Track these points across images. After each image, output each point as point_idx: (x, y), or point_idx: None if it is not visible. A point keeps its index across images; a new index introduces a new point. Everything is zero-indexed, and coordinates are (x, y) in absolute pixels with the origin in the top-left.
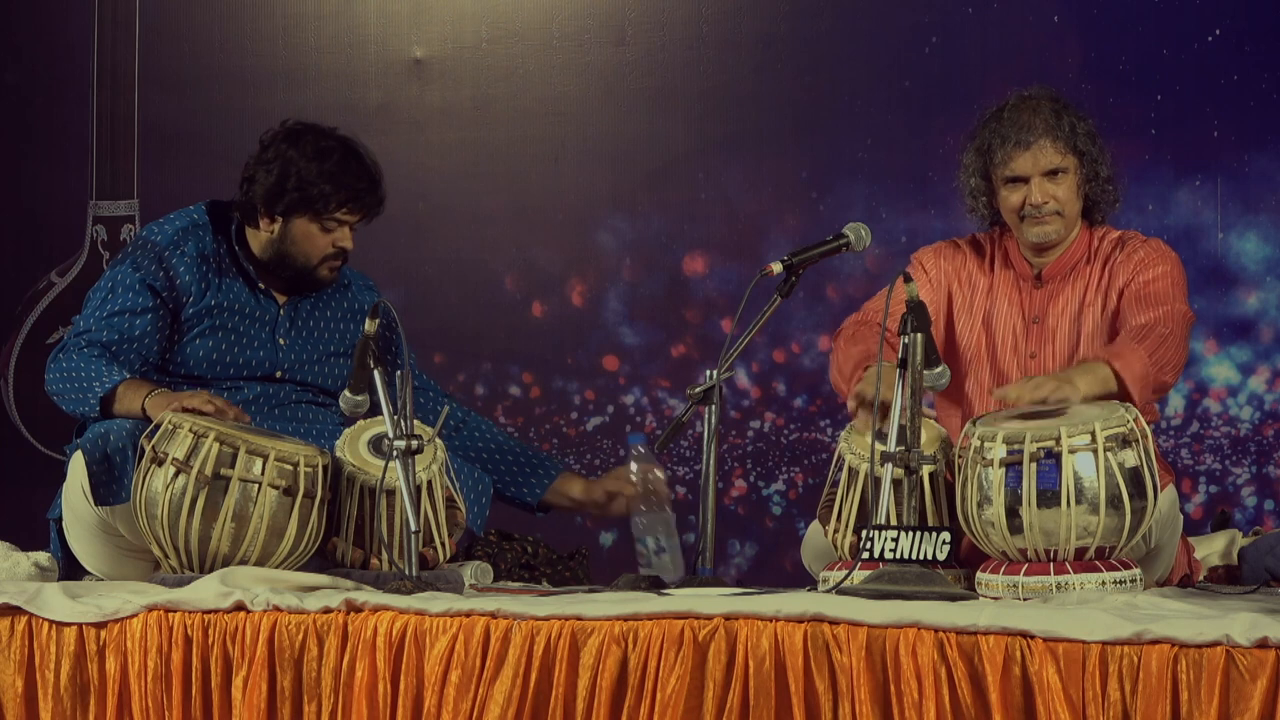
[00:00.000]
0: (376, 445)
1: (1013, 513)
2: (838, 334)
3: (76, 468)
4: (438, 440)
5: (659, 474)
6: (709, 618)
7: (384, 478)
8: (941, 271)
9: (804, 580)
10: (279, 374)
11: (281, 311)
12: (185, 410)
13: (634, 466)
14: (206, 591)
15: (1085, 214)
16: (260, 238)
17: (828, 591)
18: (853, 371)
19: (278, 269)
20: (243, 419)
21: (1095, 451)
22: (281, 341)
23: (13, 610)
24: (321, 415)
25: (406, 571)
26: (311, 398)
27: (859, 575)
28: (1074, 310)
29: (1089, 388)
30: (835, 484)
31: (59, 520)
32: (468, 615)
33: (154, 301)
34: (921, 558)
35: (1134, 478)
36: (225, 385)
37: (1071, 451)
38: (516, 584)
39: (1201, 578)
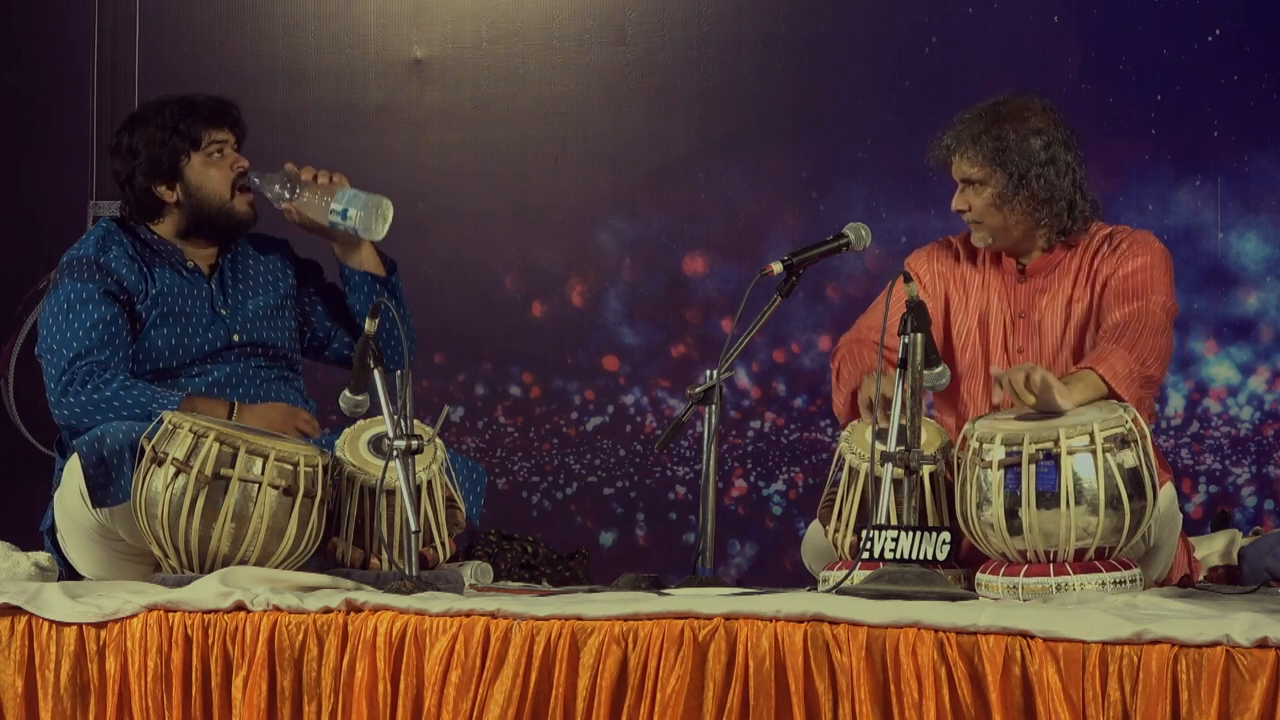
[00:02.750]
0: (376, 445)
1: (1012, 514)
2: (834, 355)
3: (72, 472)
4: (438, 440)
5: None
6: (709, 618)
7: (384, 478)
8: (936, 275)
9: (804, 580)
10: (235, 337)
11: (212, 285)
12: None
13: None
14: (206, 591)
15: (1041, 229)
16: (169, 219)
17: (828, 591)
18: (847, 394)
19: (199, 226)
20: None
21: (1094, 452)
22: (222, 312)
23: (13, 610)
24: (289, 393)
25: (406, 571)
26: (280, 372)
27: (859, 575)
28: (1061, 305)
29: (1083, 396)
30: (835, 484)
31: (51, 530)
32: (468, 615)
33: (116, 306)
34: (921, 558)
35: (1133, 478)
36: (194, 372)
37: (1070, 452)
38: (516, 584)
39: (1201, 578)
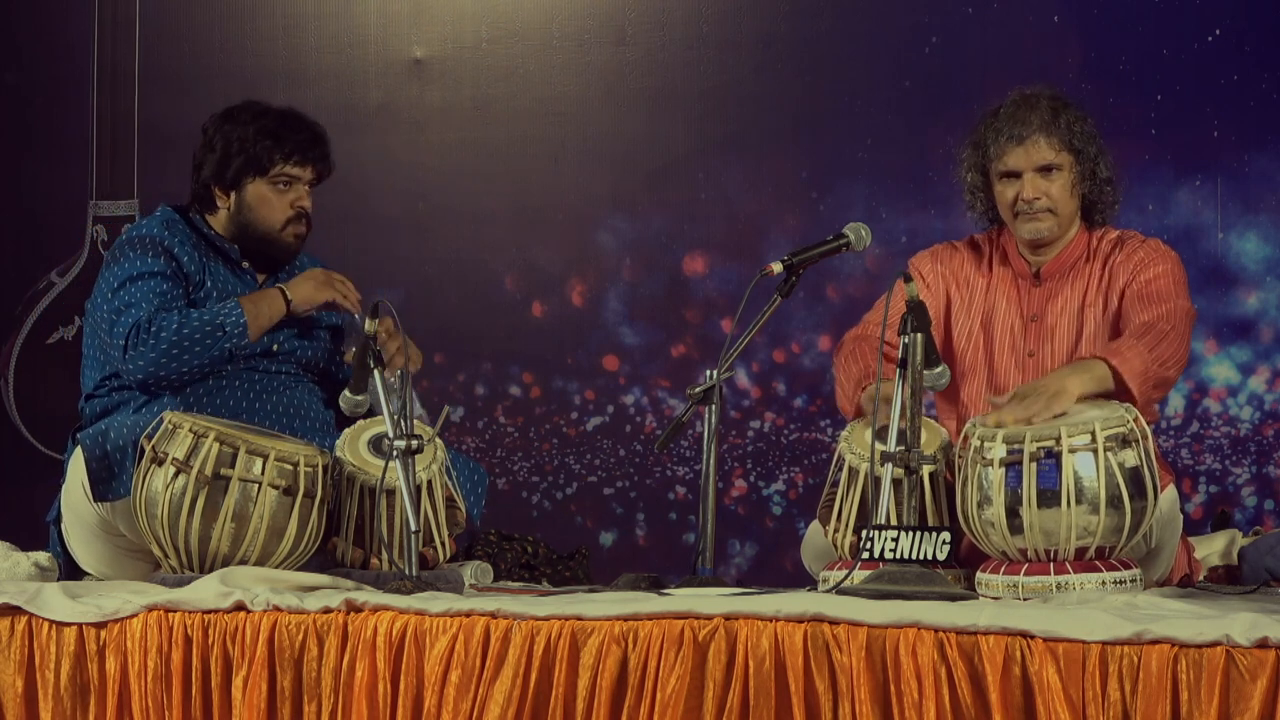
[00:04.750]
0: (376, 445)
1: (1013, 513)
2: (837, 350)
3: (76, 466)
4: (438, 440)
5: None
6: (709, 618)
7: (384, 478)
8: (939, 276)
9: (804, 580)
10: (275, 347)
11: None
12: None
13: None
14: (206, 591)
15: (1084, 215)
16: (220, 218)
17: (828, 591)
18: (854, 390)
19: (244, 243)
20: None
21: (1095, 451)
22: None
23: (13, 610)
24: (311, 400)
25: (406, 571)
26: (304, 381)
27: (859, 575)
28: (1074, 310)
29: (1082, 386)
30: (835, 484)
31: (58, 522)
32: (468, 615)
33: (179, 287)
34: (921, 558)
35: (1134, 477)
36: (224, 370)
37: (1071, 451)
38: (516, 584)
39: (1201, 578)
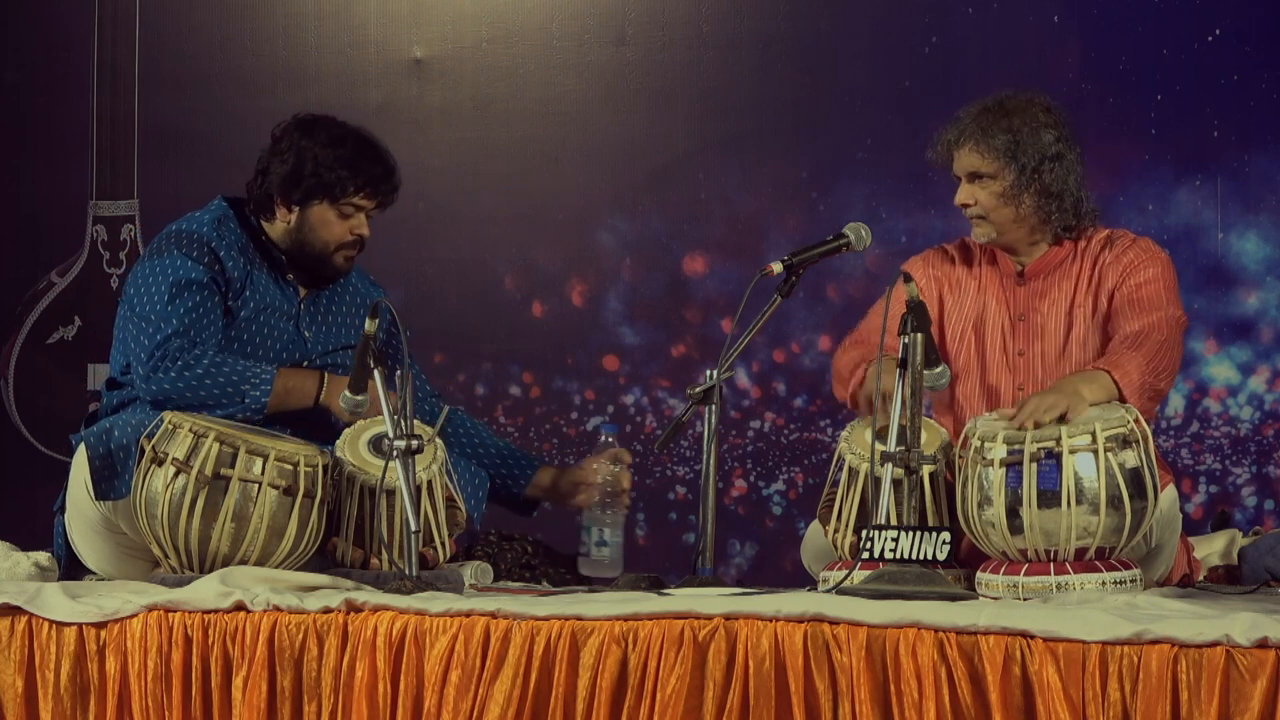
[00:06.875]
0: (376, 445)
1: (1013, 513)
2: (835, 355)
3: (79, 463)
4: (438, 440)
5: (623, 467)
6: (709, 618)
7: (384, 478)
8: (931, 279)
9: (804, 580)
10: (305, 363)
11: (302, 305)
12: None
13: (601, 459)
14: (206, 591)
15: (1048, 225)
16: (277, 228)
17: (828, 591)
18: (851, 372)
19: (296, 258)
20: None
21: (1095, 452)
22: (306, 334)
23: (13, 610)
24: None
25: (406, 571)
26: None
27: (859, 575)
28: (1063, 309)
29: (1094, 395)
30: (835, 484)
31: (62, 510)
32: (468, 615)
33: (217, 295)
34: (921, 558)
35: (1134, 478)
36: None
37: (1072, 452)
38: (516, 584)
39: (1201, 578)
